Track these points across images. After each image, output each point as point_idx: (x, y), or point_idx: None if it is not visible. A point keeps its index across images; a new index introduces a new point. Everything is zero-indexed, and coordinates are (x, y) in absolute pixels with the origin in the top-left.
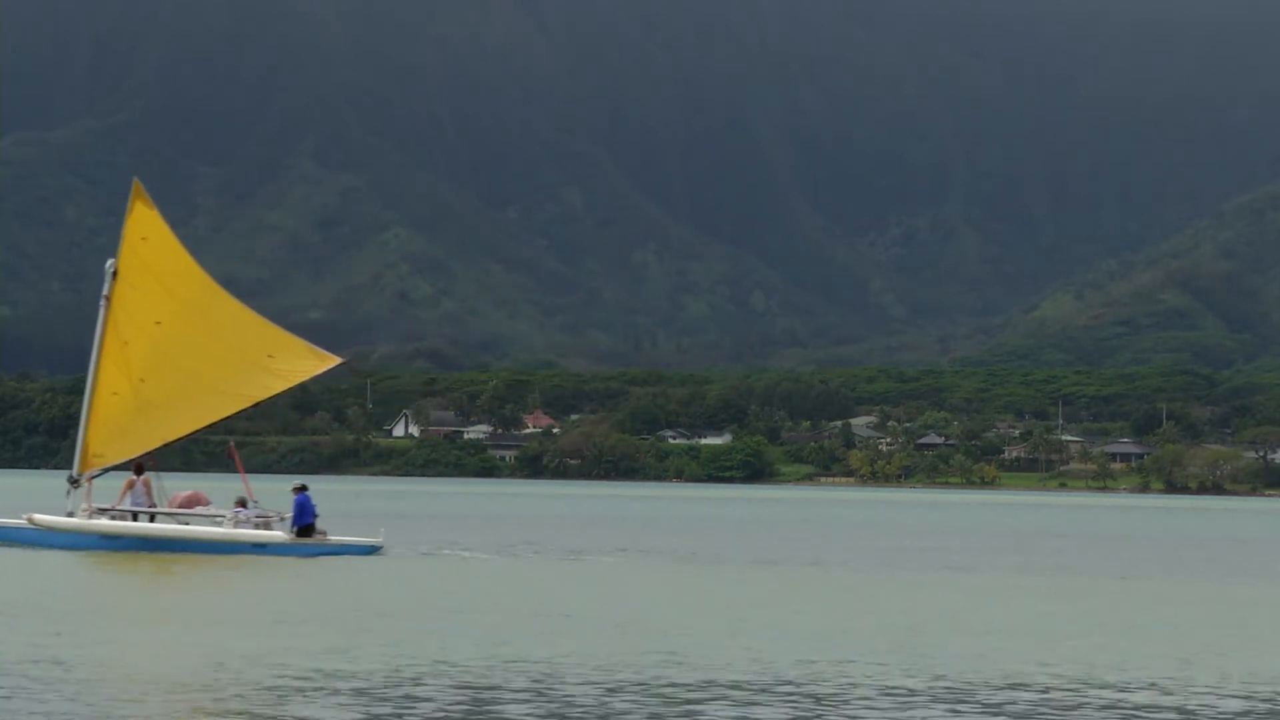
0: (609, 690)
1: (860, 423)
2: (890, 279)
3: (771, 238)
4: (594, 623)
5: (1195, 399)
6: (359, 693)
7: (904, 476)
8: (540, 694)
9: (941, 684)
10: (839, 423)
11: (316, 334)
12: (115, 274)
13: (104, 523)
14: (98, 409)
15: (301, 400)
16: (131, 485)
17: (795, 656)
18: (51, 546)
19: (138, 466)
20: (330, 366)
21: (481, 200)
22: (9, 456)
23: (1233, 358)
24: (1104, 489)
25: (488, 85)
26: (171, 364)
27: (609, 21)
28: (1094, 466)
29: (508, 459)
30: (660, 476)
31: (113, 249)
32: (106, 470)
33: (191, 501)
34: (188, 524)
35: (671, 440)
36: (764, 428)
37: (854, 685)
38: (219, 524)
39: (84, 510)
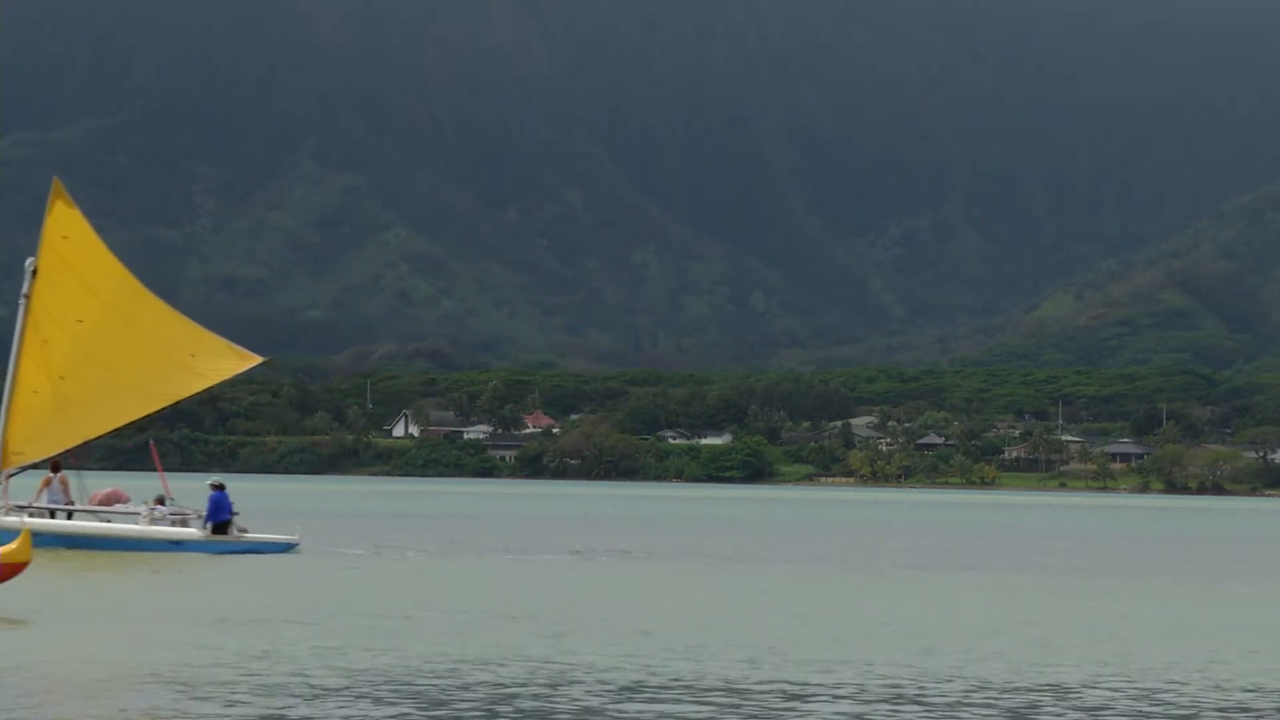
0: (462, 686)
1: (860, 423)
2: (890, 279)
3: (771, 238)
4: (457, 619)
5: (1195, 399)
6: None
7: (904, 476)
8: (413, 693)
9: (941, 684)
10: (839, 423)
11: (316, 334)
12: (35, 272)
13: (18, 519)
14: (17, 407)
15: (301, 400)
16: (48, 483)
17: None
18: None
19: (54, 464)
20: (251, 365)
21: (481, 200)
22: None
23: (1233, 358)
24: (1104, 489)
25: (488, 85)
26: (92, 362)
27: (609, 21)
28: (1094, 467)
29: (508, 459)
30: (660, 476)
31: (114, 249)
32: (25, 468)
33: (111, 499)
34: (109, 521)
35: (671, 440)
36: (764, 428)
37: (820, 686)
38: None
39: (0, 508)
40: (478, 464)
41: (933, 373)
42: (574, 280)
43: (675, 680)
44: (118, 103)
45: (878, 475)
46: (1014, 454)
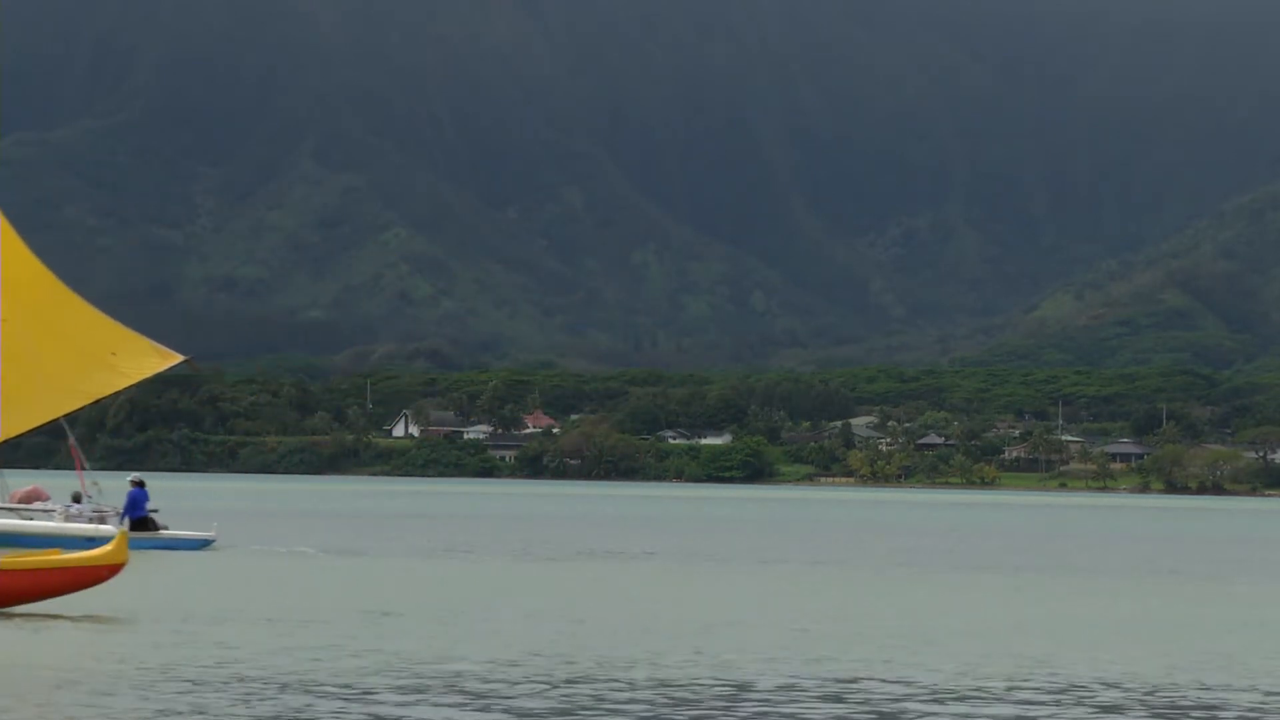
0: (347, 684)
1: (860, 423)
2: (890, 279)
3: (771, 238)
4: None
5: (1195, 399)
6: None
7: (904, 476)
8: (302, 688)
9: (942, 684)
10: (839, 423)
11: (316, 334)
12: None
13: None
14: None
15: (301, 400)
16: None
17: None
18: None
19: None
20: (172, 365)
21: (481, 200)
22: None
23: (1233, 358)
24: (1104, 489)
25: (488, 85)
26: (13, 361)
27: (609, 21)
28: (1094, 467)
29: (508, 459)
30: (660, 476)
31: (114, 249)
32: None
33: (30, 497)
34: (31, 519)
35: (671, 440)
36: (764, 428)
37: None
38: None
39: None
40: (478, 464)
41: (933, 373)
42: (574, 280)
43: (674, 680)
44: (118, 103)
45: (878, 475)
46: (1014, 454)
